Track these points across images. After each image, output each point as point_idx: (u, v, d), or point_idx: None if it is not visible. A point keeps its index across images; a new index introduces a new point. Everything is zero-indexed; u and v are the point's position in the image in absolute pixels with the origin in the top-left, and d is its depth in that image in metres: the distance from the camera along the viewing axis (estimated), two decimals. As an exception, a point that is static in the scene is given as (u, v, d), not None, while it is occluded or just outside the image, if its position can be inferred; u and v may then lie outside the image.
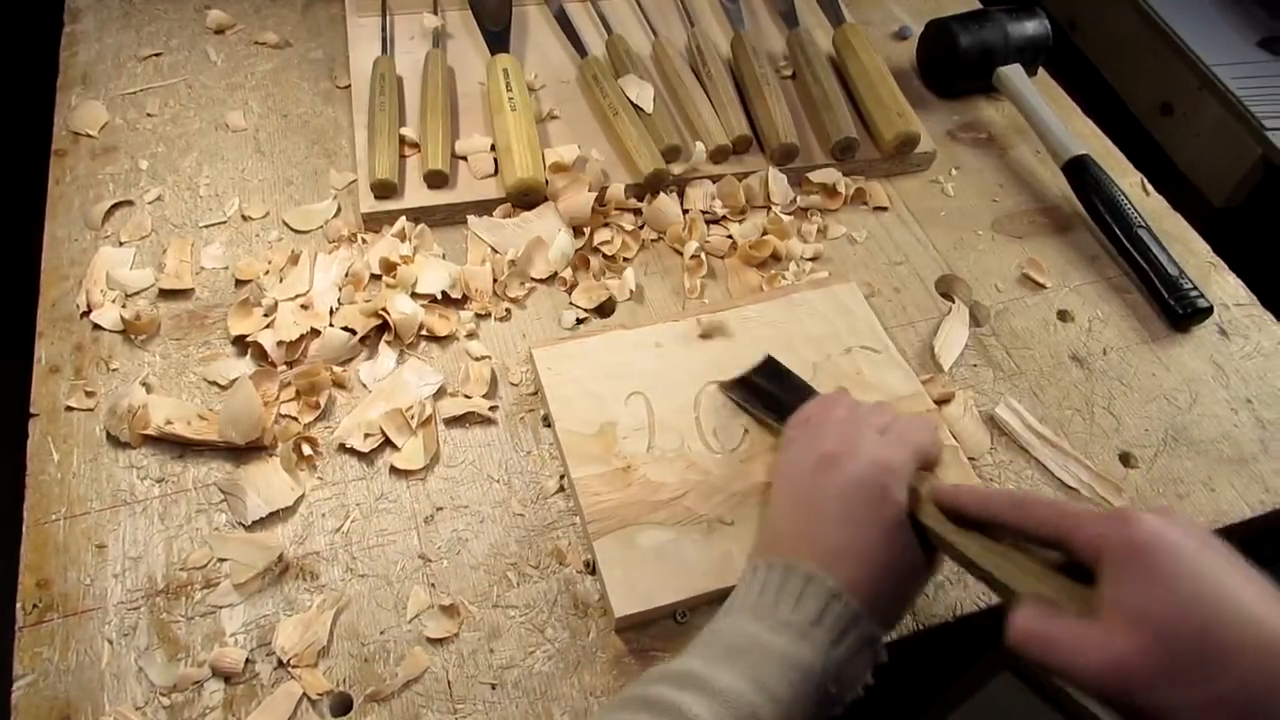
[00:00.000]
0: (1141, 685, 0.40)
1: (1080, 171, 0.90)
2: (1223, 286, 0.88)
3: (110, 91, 0.92)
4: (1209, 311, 0.83)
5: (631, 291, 0.80)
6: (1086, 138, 1.00)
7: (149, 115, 0.90)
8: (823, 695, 0.47)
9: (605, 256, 0.83)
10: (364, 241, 0.81)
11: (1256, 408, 0.79)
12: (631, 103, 0.90)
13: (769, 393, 0.71)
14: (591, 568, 0.64)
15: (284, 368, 0.72)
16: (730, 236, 0.85)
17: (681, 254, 0.84)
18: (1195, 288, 0.83)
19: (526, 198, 0.84)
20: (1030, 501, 0.48)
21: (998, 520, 0.49)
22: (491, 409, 0.72)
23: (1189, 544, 0.42)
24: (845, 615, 0.49)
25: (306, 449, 0.68)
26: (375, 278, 0.79)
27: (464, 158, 0.87)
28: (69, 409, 0.69)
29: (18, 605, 0.60)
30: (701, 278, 0.82)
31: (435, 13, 1.00)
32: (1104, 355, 0.82)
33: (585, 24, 1.03)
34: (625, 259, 0.83)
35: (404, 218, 0.82)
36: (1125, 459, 0.75)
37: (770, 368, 0.73)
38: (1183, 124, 1.43)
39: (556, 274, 0.81)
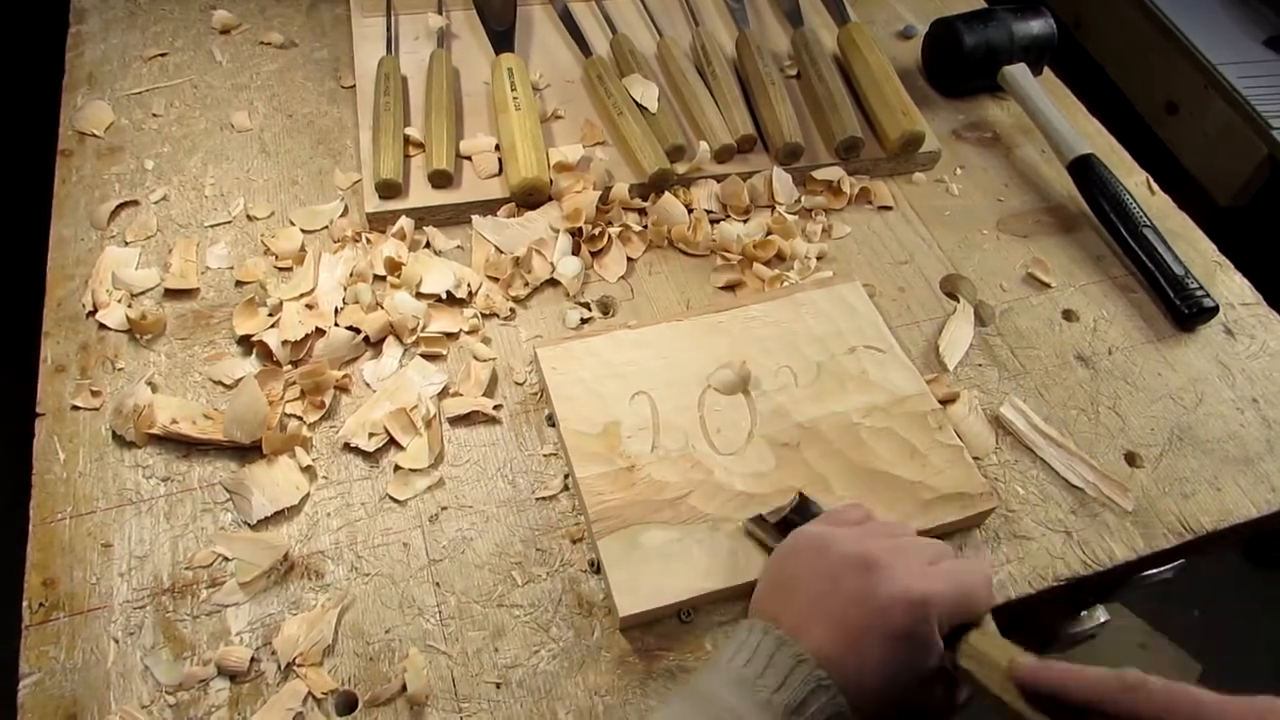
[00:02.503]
0: None
1: (1085, 171, 0.90)
2: (1228, 286, 0.88)
3: (116, 92, 0.92)
4: (1215, 311, 0.83)
5: (634, 290, 0.80)
6: (1092, 137, 1.00)
7: (154, 115, 0.90)
8: None
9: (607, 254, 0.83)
10: (368, 241, 0.81)
11: (1262, 407, 0.79)
12: (636, 102, 0.90)
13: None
14: (596, 567, 0.64)
15: (289, 367, 0.72)
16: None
17: (687, 253, 0.84)
18: (1201, 287, 0.83)
19: (531, 197, 0.84)
20: (1147, 686, 0.42)
21: (1105, 705, 0.43)
22: (496, 408, 0.72)
23: None
24: (829, 710, 0.47)
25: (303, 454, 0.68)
26: (380, 278, 0.79)
27: (468, 157, 0.87)
28: (75, 408, 0.69)
29: (24, 604, 0.60)
30: (729, 279, 0.83)
31: (440, 12, 1.00)
32: (1109, 355, 0.81)
33: (590, 23, 1.03)
34: (630, 259, 0.83)
35: (404, 217, 0.82)
36: (1131, 459, 0.75)
37: (803, 506, 0.63)
38: (1188, 123, 1.43)
39: (558, 274, 0.81)
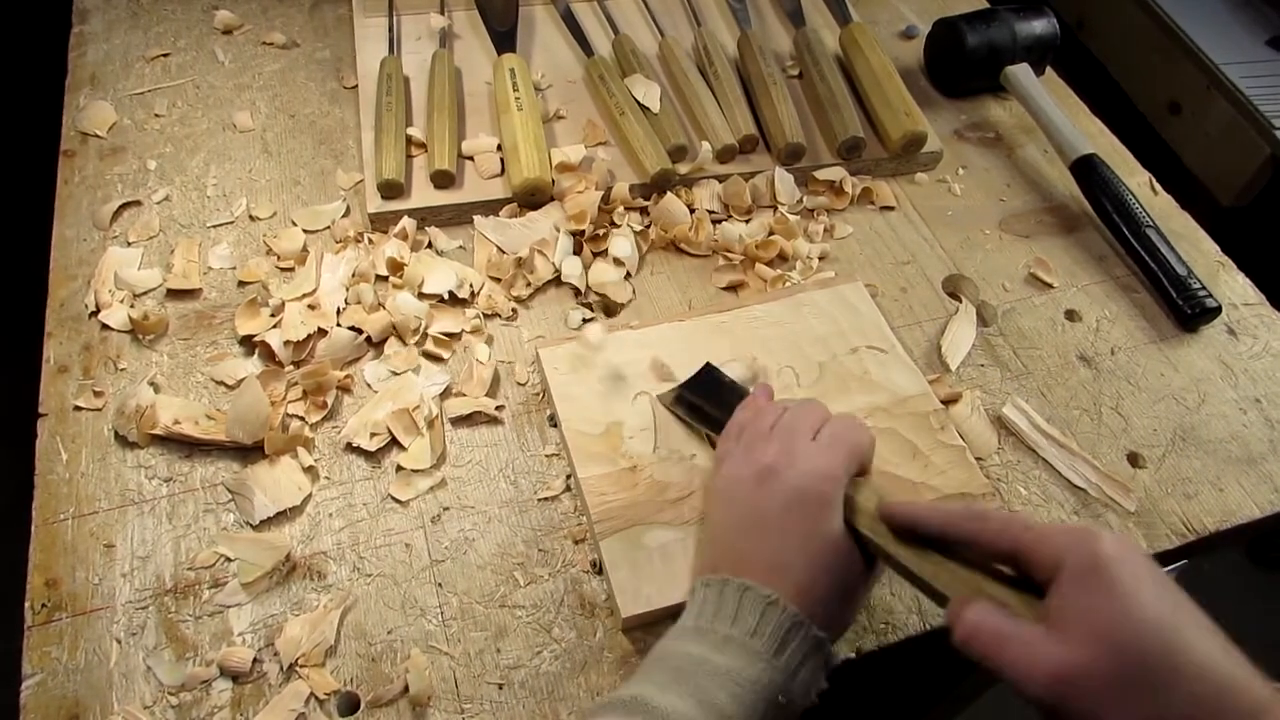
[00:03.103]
0: (1085, 695, 0.41)
1: (1088, 171, 0.90)
2: (1231, 286, 0.88)
3: (118, 92, 0.92)
4: (1217, 311, 0.83)
5: (636, 290, 0.80)
6: (1094, 137, 1.00)
7: (157, 116, 0.90)
8: (774, 705, 0.47)
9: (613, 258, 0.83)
10: (370, 242, 0.81)
11: (1265, 407, 0.79)
12: (638, 102, 0.90)
13: (700, 406, 0.69)
14: (598, 568, 0.64)
15: (291, 367, 0.72)
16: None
17: (689, 253, 0.84)
18: (1204, 287, 0.83)
19: (533, 197, 0.84)
20: (988, 514, 0.48)
21: (952, 531, 0.49)
22: (498, 409, 0.72)
23: (1149, 568, 0.43)
24: (785, 623, 0.49)
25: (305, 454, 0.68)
26: (382, 278, 0.79)
27: (470, 158, 0.87)
28: (77, 409, 0.69)
29: (26, 605, 0.60)
30: (732, 279, 0.83)
31: (442, 13, 1.00)
32: (1112, 355, 0.81)
33: (592, 24, 1.03)
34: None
35: (406, 217, 0.82)
36: (1133, 459, 0.75)
37: (706, 376, 0.71)
38: (1191, 123, 1.43)
39: (561, 274, 0.80)
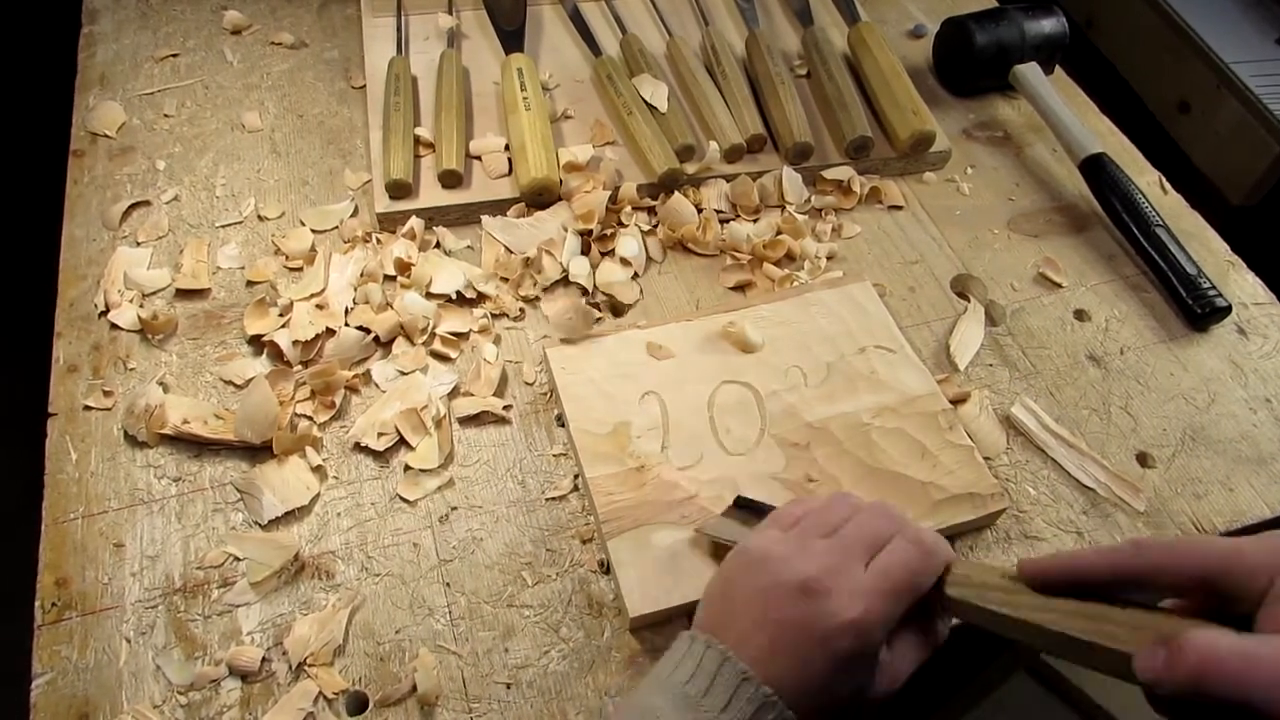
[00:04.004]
0: None
1: (1097, 170, 0.89)
2: (1241, 285, 0.88)
3: (127, 92, 0.92)
4: (1227, 310, 0.82)
5: (644, 290, 0.80)
6: (1103, 136, 1.00)
7: (166, 116, 0.90)
8: None
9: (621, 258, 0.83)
10: (378, 242, 0.81)
11: (1275, 407, 0.78)
12: (646, 102, 0.90)
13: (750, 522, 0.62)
14: (606, 567, 0.64)
15: (299, 367, 0.73)
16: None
17: (697, 253, 0.84)
18: (1213, 286, 0.83)
19: (540, 197, 0.84)
20: (1152, 544, 0.42)
21: (1125, 571, 0.42)
22: (505, 408, 0.72)
23: None
24: (756, 700, 0.46)
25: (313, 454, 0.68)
26: (390, 278, 0.79)
27: (478, 157, 0.87)
28: (87, 408, 0.70)
29: (36, 604, 0.60)
30: (739, 279, 0.83)
31: (450, 13, 1.00)
32: (1121, 355, 0.81)
33: (600, 23, 1.03)
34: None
35: (414, 217, 0.82)
36: (1143, 459, 0.74)
37: (742, 507, 0.64)
38: (1200, 122, 1.42)
39: (569, 274, 0.80)
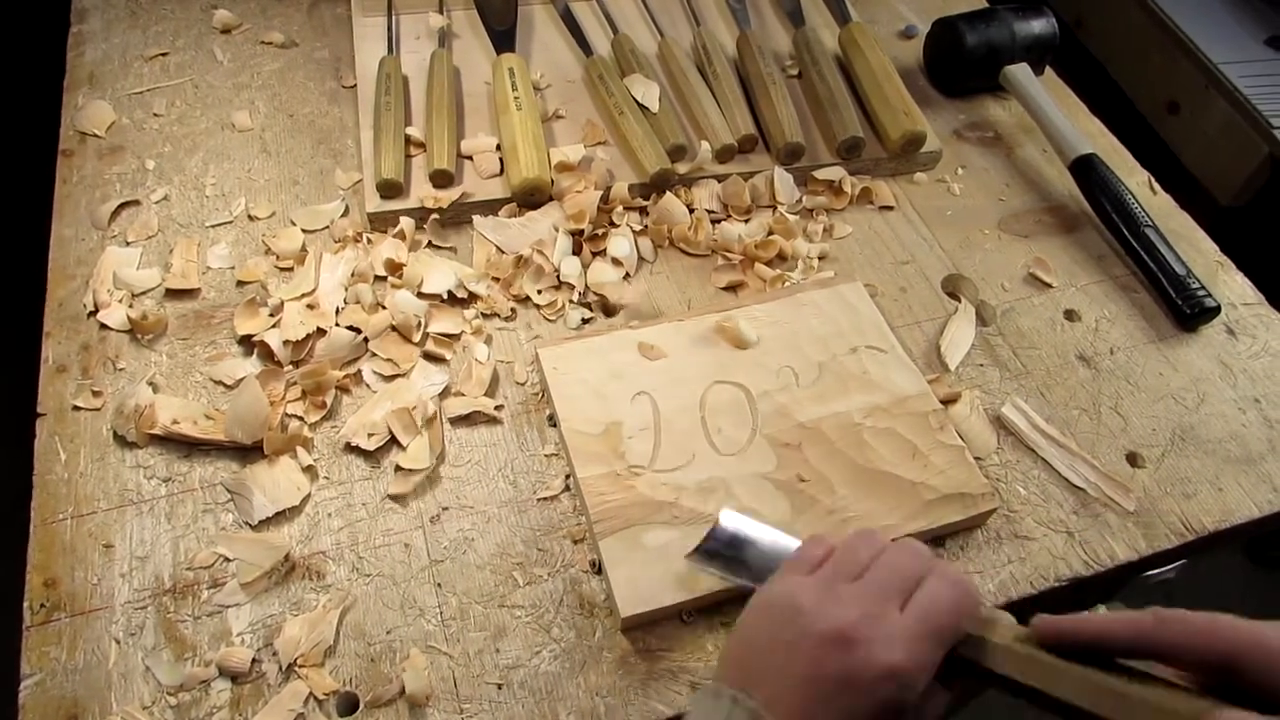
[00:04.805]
0: None
1: (1087, 170, 0.90)
2: (1230, 286, 0.88)
3: (117, 91, 0.92)
4: (1216, 311, 0.83)
5: (635, 291, 0.80)
6: (1093, 136, 1.00)
7: (155, 115, 0.90)
8: None
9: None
10: (369, 241, 0.81)
11: (1264, 407, 0.79)
12: (637, 102, 0.90)
13: (735, 558, 0.59)
14: (597, 567, 0.64)
15: (290, 367, 0.72)
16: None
17: (689, 253, 0.84)
18: (1203, 287, 0.83)
19: (532, 197, 0.84)
20: (1172, 617, 0.41)
21: (1144, 643, 0.42)
22: (497, 408, 0.72)
23: None
24: None
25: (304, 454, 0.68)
26: (381, 278, 0.79)
27: (469, 157, 0.87)
28: (76, 409, 0.69)
29: (25, 605, 0.60)
30: (731, 279, 0.83)
31: (441, 12, 1.00)
32: (1111, 355, 0.81)
33: (591, 23, 1.03)
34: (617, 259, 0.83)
35: (405, 217, 0.82)
36: (1132, 459, 0.75)
37: (730, 530, 0.59)
38: (1190, 122, 1.43)
39: (560, 274, 0.80)
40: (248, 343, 0.74)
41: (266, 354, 0.73)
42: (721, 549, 0.59)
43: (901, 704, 0.45)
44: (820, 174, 0.90)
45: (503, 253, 0.82)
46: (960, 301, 0.83)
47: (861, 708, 0.45)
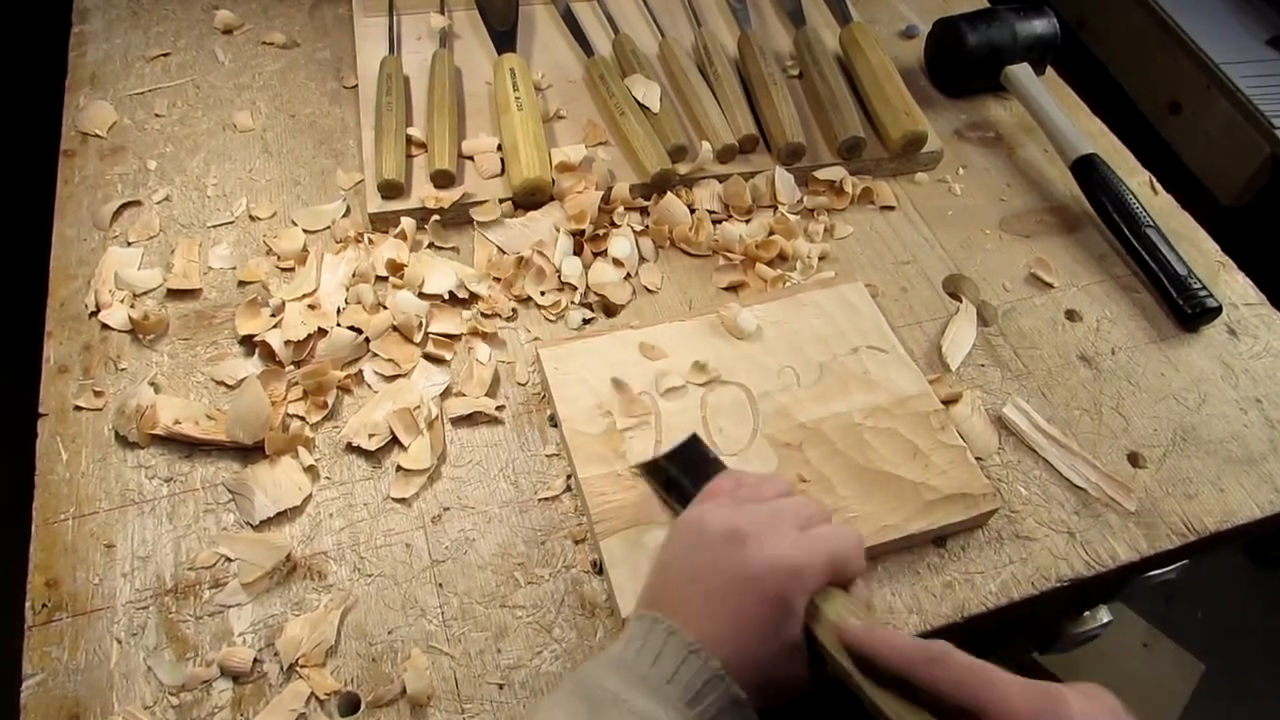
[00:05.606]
0: None
1: (1088, 170, 0.90)
2: (1231, 286, 0.88)
3: (118, 92, 0.92)
4: (1218, 311, 0.83)
5: (636, 291, 0.80)
6: (1095, 136, 1.00)
7: (157, 115, 0.90)
8: None
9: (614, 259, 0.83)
10: (370, 242, 0.81)
11: (1266, 407, 0.79)
12: (638, 102, 0.90)
13: (678, 480, 0.64)
14: (598, 568, 0.64)
15: (291, 367, 0.72)
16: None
17: (690, 253, 0.84)
18: (1204, 287, 0.83)
19: (533, 197, 0.84)
20: (948, 660, 0.44)
21: (909, 674, 0.45)
22: (498, 409, 0.72)
23: None
24: (704, 674, 0.47)
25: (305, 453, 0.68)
26: (382, 279, 0.79)
27: (470, 157, 0.87)
28: (77, 409, 0.69)
29: (27, 605, 0.60)
30: (732, 279, 0.83)
31: (442, 13, 1.00)
32: (1112, 355, 0.81)
33: (592, 24, 1.03)
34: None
35: (406, 217, 0.82)
36: (1134, 459, 0.75)
37: (689, 450, 0.67)
38: (1191, 122, 1.43)
39: (562, 275, 0.80)
40: (249, 343, 0.74)
41: (268, 354, 0.73)
42: (672, 467, 0.65)
43: (789, 597, 0.49)
44: (821, 174, 0.90)
45: (504, 253, 0.82)
46: (961, 301, 0.83)
47: (751, 599, 0.49)
